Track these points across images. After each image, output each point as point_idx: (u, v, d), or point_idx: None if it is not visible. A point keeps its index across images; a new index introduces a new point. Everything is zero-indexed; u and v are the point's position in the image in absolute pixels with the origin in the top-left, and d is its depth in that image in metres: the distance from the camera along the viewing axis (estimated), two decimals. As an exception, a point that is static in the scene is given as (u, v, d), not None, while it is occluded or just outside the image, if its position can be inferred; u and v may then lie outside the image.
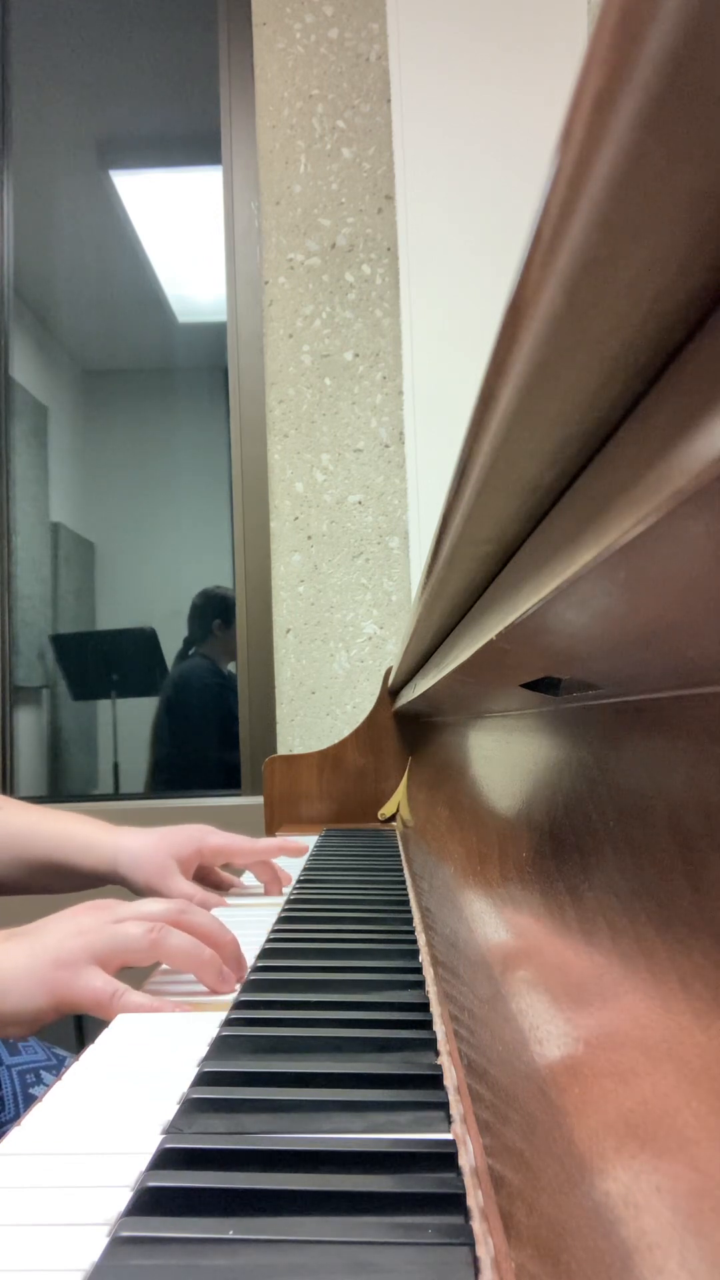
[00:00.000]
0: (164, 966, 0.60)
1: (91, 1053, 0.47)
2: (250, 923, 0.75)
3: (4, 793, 2.07)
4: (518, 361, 0.20)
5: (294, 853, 0.94)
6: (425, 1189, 0.30)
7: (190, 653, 2.61)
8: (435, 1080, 0.39)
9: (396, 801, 1.37)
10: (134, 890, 0.86)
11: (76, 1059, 0.46)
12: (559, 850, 0.36)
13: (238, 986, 0.57)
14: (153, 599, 3.32)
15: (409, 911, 0.72)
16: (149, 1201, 0.30)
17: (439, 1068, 0.40)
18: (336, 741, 1.43)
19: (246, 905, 0.85)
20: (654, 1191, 0.19)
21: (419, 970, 0.56)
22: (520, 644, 0.34)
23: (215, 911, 0.81)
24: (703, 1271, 0.16)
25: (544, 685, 0.41)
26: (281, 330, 1.89)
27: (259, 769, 1.82)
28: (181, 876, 0.85)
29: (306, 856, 1.05)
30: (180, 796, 2.22)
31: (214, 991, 0.56)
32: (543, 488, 0.27)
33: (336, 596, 1.87)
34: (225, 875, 0.95)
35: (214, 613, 2.54)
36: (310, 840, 1.20)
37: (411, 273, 1.76)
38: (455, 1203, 0.29)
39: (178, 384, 3.51)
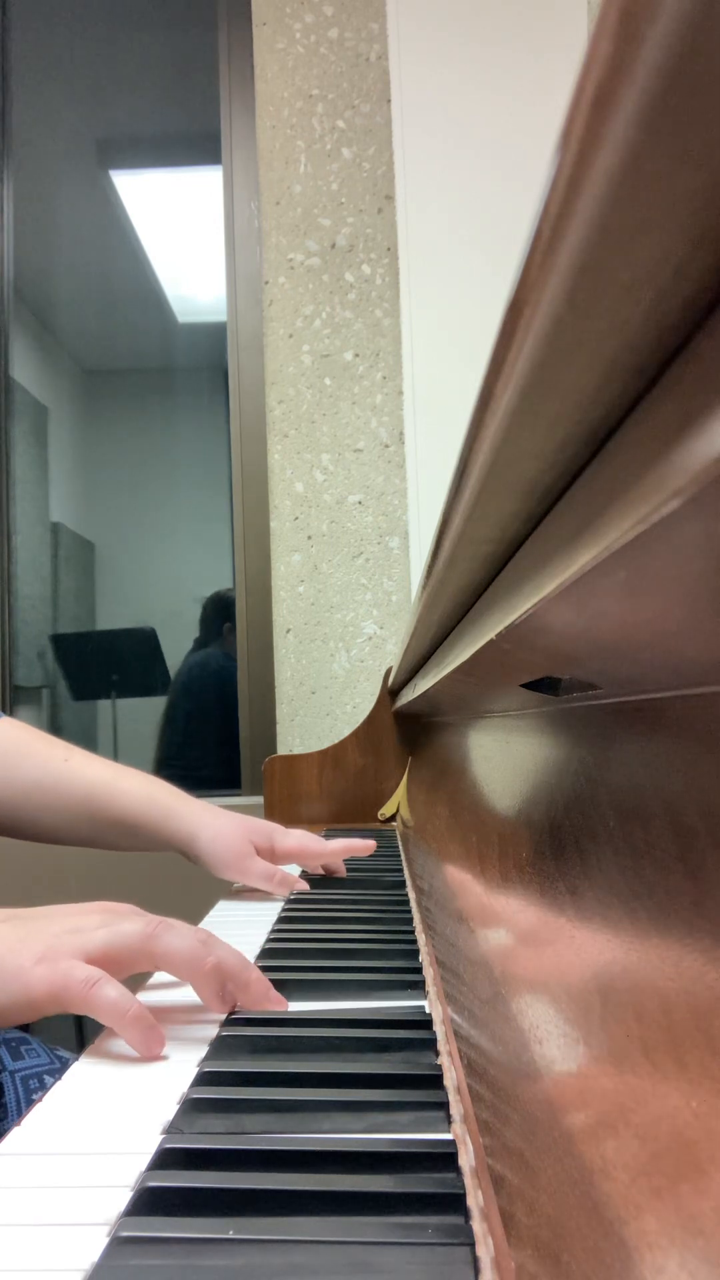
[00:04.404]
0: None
1: (92, 1052, 0.47)
2: (255, 922, 0.75)
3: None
4: (518, 361, 0.20)
5: (362, 851, 0.91)
6: (425, 1189, 0.30)
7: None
8: (435, 1080, 0.39)
9: (396, 801, 1.37)
10: (207, 867, 0.82)
11: (78, 1060, 0.46)
12: (559, 850, 0.36)
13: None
14: (153, 599, 3.32)
15: (409, 911, 0.72)
16: (149, 1201, 0.30)
17: (439, 1068, 0.40)
18: (336, 741, 1.43)
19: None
20: (654, 1192, 0.19)
21: (419, 970, 0.56)
22: (520, 644, 0.34)
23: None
24: (703, 1271, 0.16)
25: (544, 685, 0.41)
26: (281, 330, 1.89)
27: (259, 769, 1.81)
28: (259, 858, 0.82)
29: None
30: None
31: (211, 1009, 0.49)
32: (543, 488, 0.27)
33: (336, 596, 1.87)
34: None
35: (225, 617, 2.53)
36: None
37: (411, 273, 1.75)
38: (455, 1203, 0.29)
39: (178, 384, 3.51)
